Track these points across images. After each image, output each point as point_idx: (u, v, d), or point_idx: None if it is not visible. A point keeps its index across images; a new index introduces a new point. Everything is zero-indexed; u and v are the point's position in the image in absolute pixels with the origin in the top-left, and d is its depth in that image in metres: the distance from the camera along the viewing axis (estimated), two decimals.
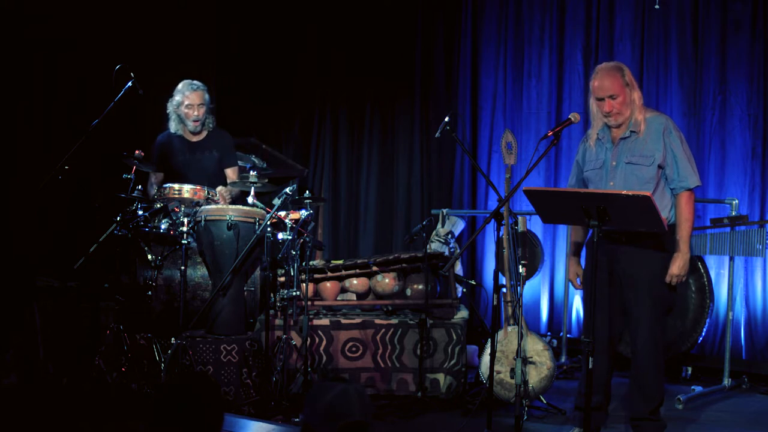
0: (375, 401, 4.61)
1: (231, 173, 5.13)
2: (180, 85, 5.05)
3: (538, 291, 6.37)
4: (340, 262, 5.26)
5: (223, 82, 6.85)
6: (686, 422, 4.39)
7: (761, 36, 5.77)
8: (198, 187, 4.65)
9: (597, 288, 3.47)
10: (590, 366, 3.37)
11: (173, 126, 5.10)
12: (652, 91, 6.12)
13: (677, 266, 3.68)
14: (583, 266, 4.05)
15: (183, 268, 4.50)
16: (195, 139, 5.11)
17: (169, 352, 4.36)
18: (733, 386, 5.12)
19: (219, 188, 4.88)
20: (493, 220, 3.69)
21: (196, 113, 5.01)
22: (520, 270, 4.36)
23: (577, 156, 4.01)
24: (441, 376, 4.79)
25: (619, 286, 3.78)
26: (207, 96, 5.06)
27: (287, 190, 4.52)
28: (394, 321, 4.90)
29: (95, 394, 4.28)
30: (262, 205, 4.66)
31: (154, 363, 4.47)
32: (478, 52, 6.80)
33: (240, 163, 5.88)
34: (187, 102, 5.00)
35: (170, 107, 5.08)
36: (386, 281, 5.16)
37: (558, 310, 6.33)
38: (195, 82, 5.06)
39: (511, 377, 4.25)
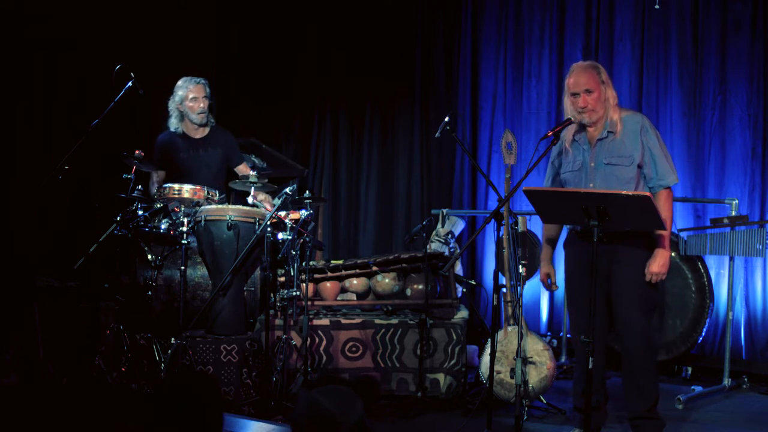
0: (375, 401, 4.62)
1: (244, 168, 5.15)
2: (180, 81, 5.06)
3: (538, 291, 6.37)
4: (340, 262, 5.26)
5: (223, 82, 6.85)
6: (686, 422, 4.39)
7: (761, 36, 5.77)
8: (198, 187, 4.65)
9: (595, 287, 3.45)
10: (590, 366, 3.37)
11: (174, 124, 5.09)
12: (652, 91, 6.12)
13: (657, 264, 3.67)
14: (556, 266, 4.08)
15: (183, 268, 4.49)
16: (198, 136, 5.11)
17: (169, 352, 4.36)
18: (733, 386, 5.12)
19: (261, 197, 4.89)
20: (493, 220, 3.69)
21: (201, 105, 5.02)
22: (520, 270, 4.36)
23: (551, 157, 3.98)
24: (441, 376, 4.79)
25: (603, 285, 3.76)
26: (208, 90, 5.09)
27: (287, 190, 4.52)
28: (394, 321, 4.90)
29: (95, 394, 4.28)
30: (262, 205, 4.66)
31: (154, 363, 4.47)
32: (478, 52, 6.80)
33: None
34: (192, 95, 5.01)
35: (172, 105, 5.07)
36: (386, 281, 5.16)
37: (558, 310, 6.33)
38: (195, 77, 5.08)
39: (511, 377, 4.26)
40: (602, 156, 3.74)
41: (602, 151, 3.75)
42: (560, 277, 4.18)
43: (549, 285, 4.05)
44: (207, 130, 5.13)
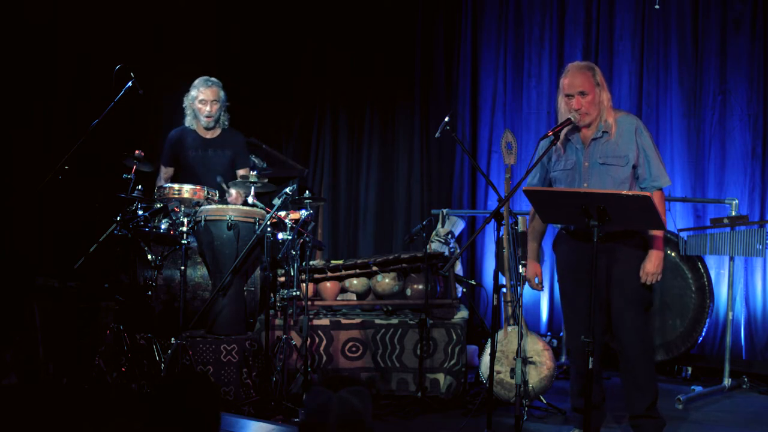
0: (375, 401, 4.61)
1: (244, 173, 5.15)
2: (196, 81, 5.10)
3: (538, 291, 6.36)
4: (340, 262, 5.26)
5: (223, 82, 6.83)
6: (686, 422, 4.39)
7: (761, 36, 5.78)
8: (198, 187, 4.66)
9: (594, 287, 3.44)
10: (591, 366, 3.37)
11: (188, 120, 5.15)
12: (652, 91, 6.13)
13: (652, 264, 3.68)
14: (543, 264, 4.06)
15: (183, 268, 4.49)
16: (208, 135, 5.14)
17: (169, 352, 4.36)
18: (733, 386, 5.12)
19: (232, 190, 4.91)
20: (493, 220, 3.69)
21: (209, 109, 5.04)
22: (520, 270, 4.35)
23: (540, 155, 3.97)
24: (441, 376, 4.79)
25: (600, 284, 3.76)
26: (222, 93, 5.11)
27: (287, 190, 4.52)
28: (394, 321, 4.90)
29: (95, 394, 4.28)
30: (262, 205, 4.66)
31: (154, 363, 4.47)
32: (478, 52, 6.80)
33: None
34: (201, 97, 5.04)
35: (186, 101, 5.12)
36: (386, 281, 5.16)
37: (558, 310, 6.32)
38: (211, 78, 5.11)
39: (511, 377, 4.26)
40: (596, 156, 3.74)
41: (596, 150, 3.75)
42: (548, 276, 4.17)
43: (536, 285, 4.05)
44: (218, 131, 5.16)
